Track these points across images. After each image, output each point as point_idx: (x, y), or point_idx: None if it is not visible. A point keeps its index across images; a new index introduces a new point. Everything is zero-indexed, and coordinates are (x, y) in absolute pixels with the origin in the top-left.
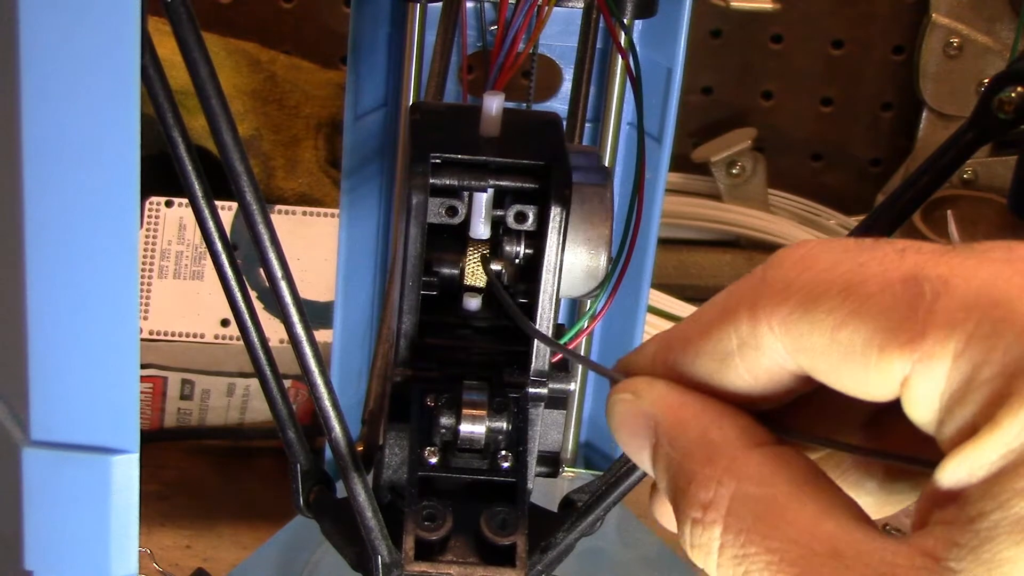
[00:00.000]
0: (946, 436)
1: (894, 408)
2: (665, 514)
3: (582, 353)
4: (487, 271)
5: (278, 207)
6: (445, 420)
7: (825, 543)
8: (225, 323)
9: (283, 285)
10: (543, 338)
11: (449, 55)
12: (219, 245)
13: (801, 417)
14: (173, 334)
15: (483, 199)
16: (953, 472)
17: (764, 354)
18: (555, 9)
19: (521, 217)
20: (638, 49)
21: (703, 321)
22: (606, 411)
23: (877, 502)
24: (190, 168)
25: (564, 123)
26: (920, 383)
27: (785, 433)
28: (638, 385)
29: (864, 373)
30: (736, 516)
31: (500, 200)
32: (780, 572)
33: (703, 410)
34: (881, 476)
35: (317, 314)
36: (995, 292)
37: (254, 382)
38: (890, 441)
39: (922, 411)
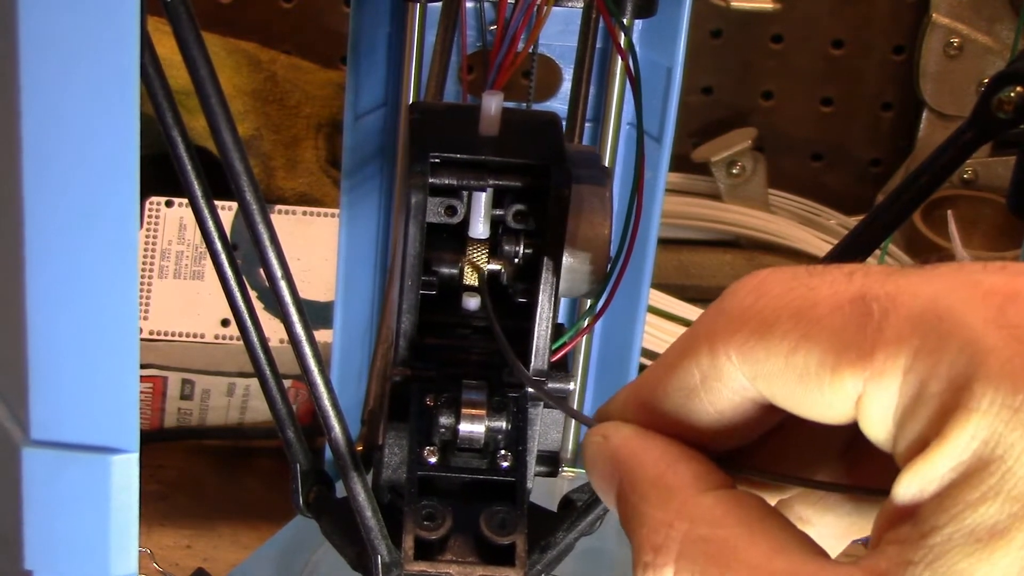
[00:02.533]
0: (900, 452)
1: (865, 437)
2: None
3: (581, 353)
4: (479, 278)
5: (278, 207)
6: (444, 420)
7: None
8: (225, 323)
9: (283, 285)
10: (522, 372)
11: (449, 55)
12: (219, 245)
13: (773, 453)
14: (173, 334)
15: (482, 198)
16: (906, 488)
17: (726, 385)
18: (555, 9)
19: (520, 216)
20: (638, 49)
21: (669, 359)
22: (582, 454)
23: (851, 525)
24: (190, 168)
25: (564, 123)
26: (873, 401)
27: (748, 471)
28: (607, 429)
29: (820, 395)
30: (687, 558)
31: (499, 200)
32: None
33: (662, 454)
34: (853, 502)
35: (317, 314)
36: (940, 306)
37: (254, 382)
38: (865, 470)
39: (877, 429)
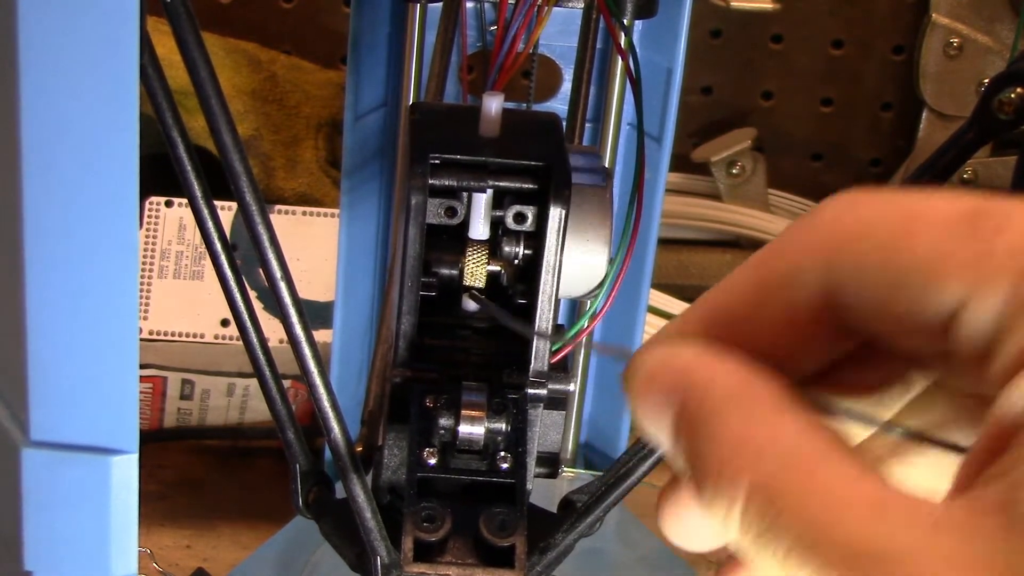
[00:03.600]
0: (1000, 365)
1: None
2: (672, 520)
3: (581, 353)
4: (473, 280)
5: (278, 207)
6: (444, 421)
7: (867, 497)
8: (225, 323)
9: (282, 285)
10: (521, 330)
11: (449, 55)
12: (218, 245)
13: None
14: (173, 334)
15: (482, 200)
16: (1015, 401)
17: (805, 288)
18: (555, 9)
19: (520, 218)
20: (638, 49)
21: (739, 278)
22: (626, 376)
23: (917, 484)
24: (189, 168)
25: (564, 123)
26: (975, 307)
27: (822, 406)
28: (670, 343)
29: (920, 292)
30: (763, 474)
31: (499, 201)
32: (808, 528)
33: (737, 368)
34: (927, 455)
35: (317, 314)
36: None
37: (254, 382)
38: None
39: (974, 339)
